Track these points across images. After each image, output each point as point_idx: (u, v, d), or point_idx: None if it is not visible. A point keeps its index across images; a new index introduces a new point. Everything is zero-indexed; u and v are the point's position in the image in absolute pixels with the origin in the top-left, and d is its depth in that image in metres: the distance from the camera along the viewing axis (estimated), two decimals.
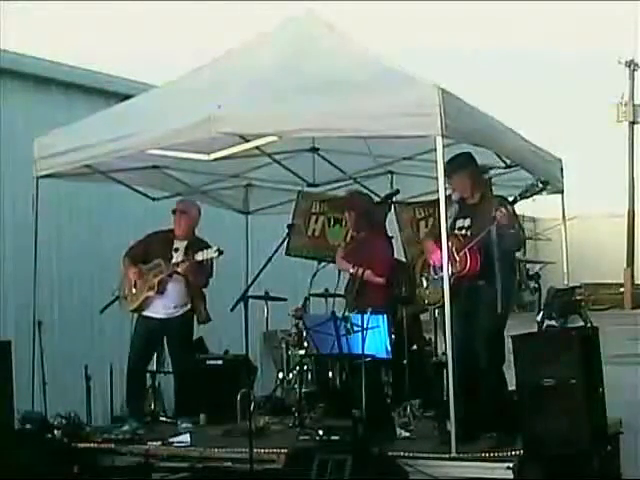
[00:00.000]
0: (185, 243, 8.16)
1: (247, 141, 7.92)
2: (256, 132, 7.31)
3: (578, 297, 7.58)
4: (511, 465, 6.07)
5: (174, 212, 8.27)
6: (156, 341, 8.32)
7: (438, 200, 6.62)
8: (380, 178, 9.12)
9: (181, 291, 8.13)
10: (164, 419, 8.54)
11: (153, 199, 9.45)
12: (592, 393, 6.40)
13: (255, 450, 6.41)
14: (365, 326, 6.97)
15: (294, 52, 7.33)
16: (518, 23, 66.31)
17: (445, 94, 6.41)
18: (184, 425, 7.74)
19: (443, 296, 6.53)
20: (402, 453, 6.38)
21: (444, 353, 6.73)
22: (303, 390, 7.97)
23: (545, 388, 6.25)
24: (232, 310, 6.51)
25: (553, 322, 6.79)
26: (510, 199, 6.89)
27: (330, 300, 9.30)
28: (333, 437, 6.56)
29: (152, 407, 8.69)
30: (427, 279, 7.18)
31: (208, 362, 8.75)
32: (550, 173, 8.13)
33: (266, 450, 6.63)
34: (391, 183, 8.95)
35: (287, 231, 7.74)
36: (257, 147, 8.19)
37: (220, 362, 8.72)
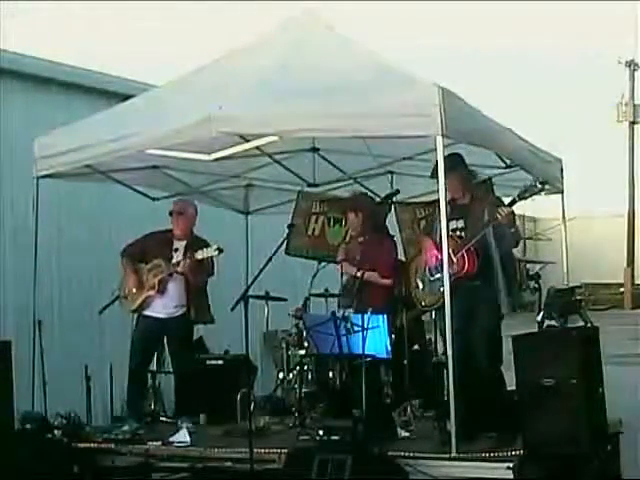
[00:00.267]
0: (184, 243, 8.17)
1: (247, 141, 7.92)
2: (256, 132, 7.31)
3: (578, 297, 7.59)
4: (511, 465, 6.07)
5: (171, 214, 8.28)
6: (156, 341, 8.33)
7: (435, 201, 6.64)
8: (380, 178, 9.12)
9: (181, 291, 8.14)
10: (164, 419, 8.53)
11: (153, 199, 9.45)
12: (592, 393, 6.40)
13: (255, 450, 6.41)
14: (365, 326, 6.98)
15: (294, 52, 7.33)
16: (518, 23, 66.28)
17: (445, 93, 6.41)
18: (184, 425, 7.73)
19: (441, 298, 6.55)
20: (402, 453, 6.38)
21: (444, 353, 6.73)
22: (303, 390, 7.97)
23: (545, 388, 6.25)
24: (232, 310, 6.51)
25: (553, 322, 6.79)
26: (509, 199, 6.90)
27: (330, 300, 9.30)
28: (333, 437, 6.55)
29: (152, 407, 8.68)
30: (423, 281, 7.16)
31: (208, 362, 8.74)
32: (550, 173, 8.14)
33: (266, 450, 6.63)
34: (391, 183, 8.94)
35: (287, 231, 7.74)
36: (257, 147, 8.20)
37: (220, 362, 8.72)
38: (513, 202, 6.85)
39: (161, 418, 8.58)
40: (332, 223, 10.20)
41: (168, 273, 8.03)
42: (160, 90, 8.17)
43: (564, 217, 9.03)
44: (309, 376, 8.31)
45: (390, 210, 8.61)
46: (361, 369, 6.92)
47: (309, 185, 9.71)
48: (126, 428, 7.63)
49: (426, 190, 8.76)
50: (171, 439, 7.24)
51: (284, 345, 8.80)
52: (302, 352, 8.45)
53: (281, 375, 8.77)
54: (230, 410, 7.83)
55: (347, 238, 9.86)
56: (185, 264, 7.90)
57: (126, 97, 8.81)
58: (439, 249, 6.73)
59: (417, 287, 7.21)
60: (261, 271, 6.81)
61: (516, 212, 6.95)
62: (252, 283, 6.89)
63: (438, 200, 7.16)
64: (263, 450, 6.60)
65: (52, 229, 9.66)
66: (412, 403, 7.51)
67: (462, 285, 6.78)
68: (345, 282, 8.40)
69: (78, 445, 7.25)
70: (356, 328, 7.13)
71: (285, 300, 9.52)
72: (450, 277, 6.58)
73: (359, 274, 7.87)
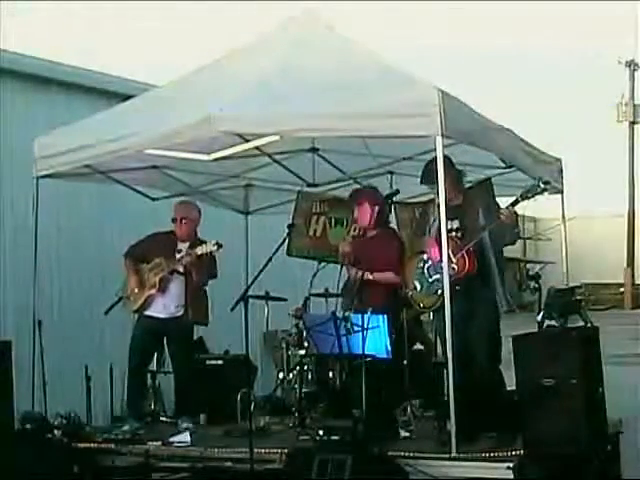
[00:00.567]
0: (187, 244, 8.16)
1: (247, 141, 7.93)
2: (256, 132, 7.31)
3: (578, 297, 7.58)
4: (511, 465, 6.07)
5: (174, 220, 8.26)
6: (156, 341, 8.33)
7: (427, 201, 6.62)
8: (380, 178, 9.12)
9: (182, 291, 8.13)
10: (164, 419, 8.54)
11: (153, 199, 9.45)
12: (592, 393, 6.39)
13: (255, 450, 6.41)
14: (365, 326, 6.97)
15: (294, 52, 7.33)
16: (518, 23, 66.33)
17: (444, 95, 6.42)
18: (184, 425, 7.73)
19: (440, 299, 6.55)
20: (402, 453, 6.38)
21: (443, 354, 6.73)
22: (303, 390, 7.96)
23: (545, 388, 6.25)
24: (232, 310, 6.51)
25: (553, 322, 6.79)
26: (512, 199, 6.90)
27: (330, 300, 9.29)
28: (333, 437, 6.55)
29: (152, 407, 8.69)
30: (420, 282, 7.15)
31: (208, 362, 8.74)
32: (549, 174, 8.13)
33: (266, 450, 6.63)
34: (391, 183, 8.94)
35: (287, 231, 7.73)
36: (257, 147, 8.20)
37: (220, 362, 8.72)
38: (516, 202, 6.85)
39: (161, 418, 8.59)
40: (334, 224, 10.20)
41: (169, 271, 8.03)
42: (160, 90, 8.18)
43: (564, 217, 9.02)
44: (309, 376, 8.30)
45: (390, 210, 8.60)
46: (361, 369, 6.92)
47: (309, 185, 9.71)
48: (126, 428, 7.63)
49: (426, 190, 8.76)
50: (171, 439, 7.24)
51: (284, 345, 8.80)
52: (302, 352, 8.45)
53: (281, 375, 8.77)
54: (230, 410, 7.83)
55: (349, 238, 9.86)
56: (188, 259, 7.89)
57: (126, 97, 8.81)
58: (439, 249, 6.73)
59: (415, 288, 7.19)
60: (261, 271, 6.81)
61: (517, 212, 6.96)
62: (252, 283, 6.89)
63: (429, 201, 7.19)
64: (263, 450, 6.60)
65: (52, 229, 9.66)
66: (412, 403, 7.51)
67: (461, 286, 6.78)
68: (346, 282, 8.35)
69: (78, 445, 7.25)
70: (356, 328, 7.13)
71: (285, 300, 9.52)
72: (450, 278, 6.58)
73: (375, 276, 7.80)
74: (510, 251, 9.53)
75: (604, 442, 6.62)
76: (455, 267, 6.77)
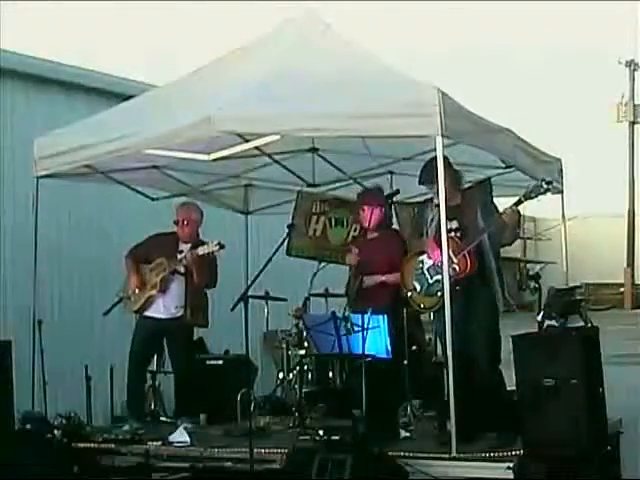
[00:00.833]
0: (189, 246, 8.15)
1: (247, 141, 7.93)
2: (256, 132, 7.31)
3: (578, 297, 7.59)
4: (511, 465, 6.07)
5: (176, 223, 8.26)
6: (156, 341, 8.33)
7: (423, 201, 6.59)
8: (380, 178, 9.11)
9: (183, 292, 8.12)
10: (164, 419, 8.54)
11: (153, 199, 9.45)
12: (592, 393, 6.39)
13: (255, 450, 6.41)
14: (365, 326, 6.97)
15: (294, 52, 7.33)
16: (518, 23, 66.33)
17: (444, 95, 6.42)
18: (184, 425, 7.73)
19: (440, 300, 6.55)
20: (402, 453, 6.38)
21: (443, 354, 6.73)
22: (303, 390, 7.96)
23: (545, 388, 6.25)
24: (232, 310, 6.51)
25: (553, 322, 6.79)
26: (515, 199, 6.90)
27: (330, 300, 9.29)
28: (333, 437, 6.55)
29: (152, 407, 8.69)
30: (420, 282, 7.15)
31: (208, 362, 8.74)
32: (549, 174, 8.12)
33: (266, 450, 6.63)
34: (391, 183, 8.93)
35: (287, 231, 7.73)
36: (257, 147, 8.20)
37: (220, 362, 8.72)
38: (519, 202, 6.84)
39: (161, 418, 8.59)
40: (334, 224, 10.20)
41: (170, 271, 8.03)
42: (160, 90, 8.18)
43: (564, 217, 9.03)
44: (309, 376, 8.31)
45: (391, 210, 8.59)
46: (361, 369, 6.92)
47: (309, 185, 9.71)
48: (126, 428, 7.63)
49: (426, 190, 8.77)
50: (171, 439, 7.24)
51: (284, 345, 8.80)
52: (302, 352, 8.45)
53: (281, 375, 8.78)
54: (230, 410, 7.82)
55: (349, 238, 9.86)
56: (190, 258, 7.88)
57: (126, 97, 8.81)
58: (440, 250, 6.72)
59: (414, 289, 7.18)
60: (261, 271, 6.81)
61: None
62: (252, 283, 6.90)
63: (425, 201, 7.18)
64: (263, 450, 6.60)
65: (52, 229, 9.66)
66: (412, 403, 7.51)
67: (461, 286, 6.78)
68: (348, 283, 8.32)
69: (78, 445, 7.25)
70: (356, 328, 7.12)
71: (285, 300, 9.52)
72: (450, 278, 6.58)
73: (383, 278, 7.79)
74: (510, 251, 9.53)
75: (604, 442, 6.62)
76: (457, 267, 6.76)
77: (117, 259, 8.47)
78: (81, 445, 7.26)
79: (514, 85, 56.36)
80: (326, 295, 9.29)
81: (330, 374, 8.14)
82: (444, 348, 6.64)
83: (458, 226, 7.00)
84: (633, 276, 37.50)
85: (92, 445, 7.28)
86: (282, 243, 7.34)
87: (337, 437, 6.52)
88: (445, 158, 6.89)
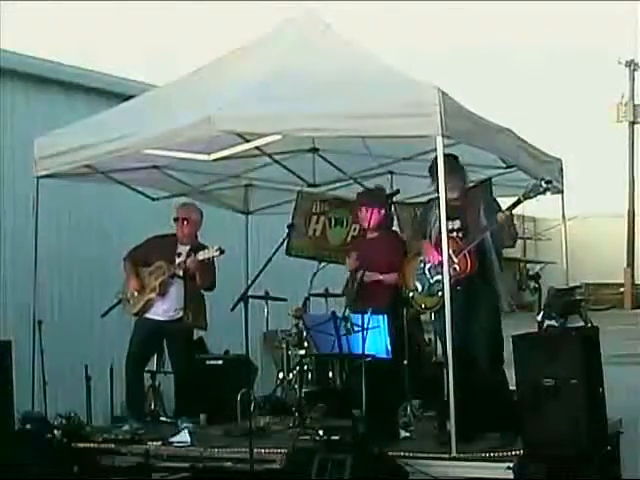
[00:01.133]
0: (188, 247, 8.14)
1: (247, 141, 7.93)
2: (256, 132, 7.31)
3: (578, 297, 7.58)
4: (511, 465, 6.07)
5: (176, 220, 8.25)
6: (155, 343, 8.31)
7: (426, 201, 6.59)
8: (380, 178, 9.11)
9: (182, 294, 8.11)
10: (164, 419, 8.54)
11: (153, 199, 9.45)
12: (592, 393, 6.39)
13: (255, 450, 6.41)
14: (365, 326, 6.97)
15: (294, 52, 7.33)
16: (518, 23, 66.34)
17: (444, 95, 6.42)
18: (184, 425, 7.73)
19: (441, 300, 6.55)
20: (402, 453, 6.38)
21: (443, 354, 6.73)
22: (303, 390, 7.96)
23: (545, 388, 6.25)
24: (232, 310, 6.51)
25: (553, 322, 6.79)
26: (514, 199, 6.90)
27: (330, 300, 9.29)
28: (333, 437, 6.55)
29: (152, 407, 8.69)
30: (422, 283, 7.14)
31: (208, 362, 8.74)
32: (549, 174, 8.12)
33: (266, 450, 6.63)
34: (391, 183, 8.94)
35: (287, 231, 7.73)
36: (257, 147, 8.19)
37: (220, 362, 8.72)
38: (518, 202, 6.84)
39: (161, 418, 8.59)
40: (334, 224, 10.20)
41: (170, 275, 8.02)
42: (160, 90, 8.18)
43: (564, 217, 9.03)
44: (309, 376, 8.31)
45: (391, 210, 8.59)
46: (361, 369, 6.92)
47: (309, 185, 9.71)
48: (126, 428, 7.64)
49: (426, 190, 8.76)
50: (171, 439, 7.24)
51: (284, 345, 8.80)
52: (302, 352, 8.45)
53: (281, 375, 8.78)
54: (230, 410, 7.83)
55: (349, 238, 9.86)
56: (191, 261, 7.87)
57: (126, 97, 8.81)
58: (439, 250, 6.72)
59: (415, 289, 7.18)
60: (261, 271, 6.81)
61: (517, 212, 6.96)
62: (252, 283, 6.90)
63: (430, 200, 7.18)
64: (263, 450, 6.60)
65: (52, 229, 9.66)
66: (412, 403, 7.51)
67: (462, 286, 6.78)
68: (346, 282, 8.33)
69: (78, 445, 7.25)
70: (356, 328, 7.12)
71: (285, 300, 9.52)
72: (451, 278, 6.58)
73: (381, 277, 7.79)
74: (510, 251, 9.53)
75: (604, 442, 6.62)
76: (457, 267, 6.76)
77: (117, 259, 8.46)
78: (81, 445, 7.26)
79: (514, 85, 56.38)
80: (326, 295, 9.29)
81: (330, 374, 8.14)
82: (445, 348, 6.63)
83: (460, 226, 7.00)
84: (633, 276, 37.49)
85: (92, 445, 7.28)
86: (282, 243, 7.34)
87: (337, 437, 6.52)
88: (453, 156, 6.92)
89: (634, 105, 39.79)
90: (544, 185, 6.72)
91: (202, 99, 7.20)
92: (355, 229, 9.68)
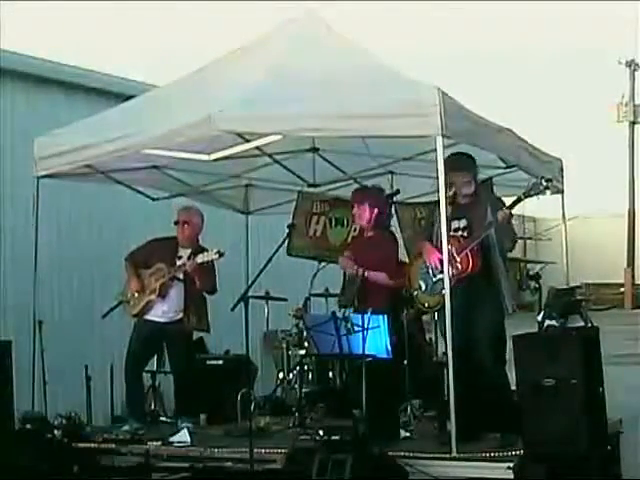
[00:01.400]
0: (189, 251, 8.14)
1: (247, 141, 7.93)
2: (256, 132, 7.31)
3: (578, 297, 7.59)
4: (511, 465, 6.07)
5: (176, 223, 8.24)
6: (155, 344, 8.31)
7: (434, 202, 6.62)
8: (380, 178, 9.11)
9: (182, 297, 8.10)
10: (164, 419, 8.54)
11: (153, 199, 9.44)
12: (592, 393, 6.39)
13: (255, 450, 6.42)
14: (365, 326, 6.97)
15: (294, 52, 7.33)
16: (518, 23, 66.32)
17: (444, 95, 6.42)
18: (184, 425, 7.73)
19: (443, 298, 6.55)
20: (402, 453, 6.38)
21: (444, 353, 6.73)
22: (303, 390, 7.97)
23: (545, 388, 6.25)
24: (232, 310, 6.51)
25: (553, 322, 6.79)
26: (514, 198, 6.89)
27: (330, 300, 9.29)
28: (333, 437, 6.55)
29: (152, 407, 8.69)
30: (425, 282, 7.14)
31: (208, 362, 8.74)
32: (549, 174, 8.12)
33: (266, 450, 6.63)
34: (391, 183, 8.94)
35: (287, 231, 7.73)
36: (257, 147, 8.20)
37: (220, 362, 8.72)
38: (518, 200, 6.83)
39: (161, 418, 8.59)
40: (334, 224, 10.19)
41: (170, 277, 8.01)
42: (160, 90, 8.18)
43: (564, 217, 9.03)
44: (309, 376, 8.31)
45: (391, 210, 8.59)
46: (361, 369, 6.92)
47: (309, 185, 9.71)
48: (126, 428, 7.64)
49: (426, 190, 8.77)
50: (171, 439, 7.24)
51: (284, 345, 8.81)
52: (302, 352, 8.46)
53: (281, 375, 8.78)
54: (230, 410, 7.83)
55: (349, 238, 9.86)
56: (191, 264, 7.86)
57: (126, 97, 8.81)
58: (440, 250, 6.72)
59: (419, 288, 7.18)
60: (261, 271, 6.82)
61: (516, 212, 6.95)
62: (252, 283, 6.90)
63: (437, 201, 7.17)
64: (263, 450, 6.60)
65: (52, 229, 9.66)
66: (412, 403, 7.51)
67: (465, 285, 6.77)
68: (346, 280, 8.31)
69: (78, 445, 7.25)
70: (356, 328, 7.12)
71: (285, 300, 9.52)
72: (454, 277, 6.57)
73: (366, 274, 7.80)
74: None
75: (604, 442, 6.62)
76: (459, 266, 6.76)
77: (117, 260, 8.46)
78: (81, 445, 7.26)
79: (514, 85, 56.33)
80: (326, 295, 9.29)
81: (330, 374, 8.15)
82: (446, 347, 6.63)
83: (466, 225, 6.98)
84: (633, 276, 37.47)
85: (92, 445, 7.28)
86: (282, 243, 7.34)
87: (337, 437, 6.52)
88: (470, 156, 6.93)
89: (634, 105, 39.78)
90: (544, 184, 6.72)
91: (202, 99, 7.20)
92: (355, 229, 9.66)
